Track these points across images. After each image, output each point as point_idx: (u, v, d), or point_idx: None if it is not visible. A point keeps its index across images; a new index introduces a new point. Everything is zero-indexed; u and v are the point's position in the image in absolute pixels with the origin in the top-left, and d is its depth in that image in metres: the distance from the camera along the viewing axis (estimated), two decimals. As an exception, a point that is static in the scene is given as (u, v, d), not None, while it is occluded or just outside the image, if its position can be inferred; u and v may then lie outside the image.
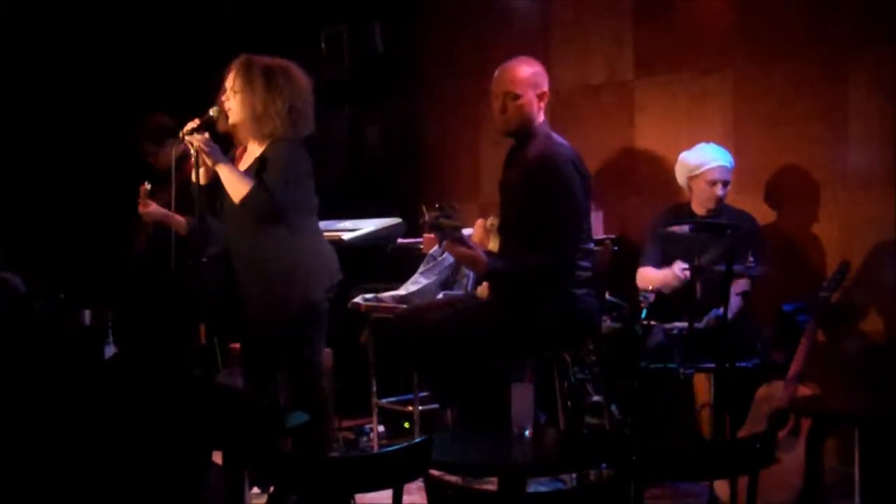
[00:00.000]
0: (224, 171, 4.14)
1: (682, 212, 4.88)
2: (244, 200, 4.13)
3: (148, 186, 4.94)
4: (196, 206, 4.18)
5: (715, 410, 4.29)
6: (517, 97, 4.23)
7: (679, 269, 4.59)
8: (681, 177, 4.88)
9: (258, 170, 4.19)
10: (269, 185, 4.13)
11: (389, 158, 6.66)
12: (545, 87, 4.29)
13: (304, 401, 4.08)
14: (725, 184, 4.77)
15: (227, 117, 4.21)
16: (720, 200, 4.77)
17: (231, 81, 4.19)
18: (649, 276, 4.77)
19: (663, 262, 4.77)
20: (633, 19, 5.56)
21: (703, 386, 4.81)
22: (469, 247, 4.16)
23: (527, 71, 4.27)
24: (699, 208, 4.82)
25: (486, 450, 3.41)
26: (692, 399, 4.94)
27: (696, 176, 4.79)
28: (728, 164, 4.78)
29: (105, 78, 6.22)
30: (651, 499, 4.23)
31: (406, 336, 4.35)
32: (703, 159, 4.79)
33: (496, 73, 4.33)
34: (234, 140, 4.36)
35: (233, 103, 4.19)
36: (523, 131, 4.28)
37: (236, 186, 4.14)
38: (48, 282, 4.44)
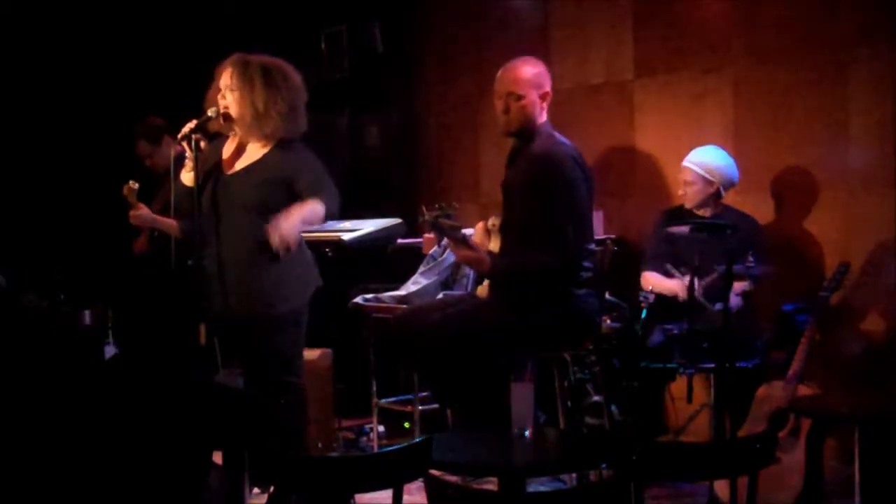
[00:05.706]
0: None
1: (681, 213, 4.89)
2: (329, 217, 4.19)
3: (135, 186, 4.72)
4: (195, 206, 4.18)
5: (715, 410, 4.28)
6: (520, 98, 4.23)
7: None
8: None
9: (257, 169, 4.19)
10: (324, 195, 4.14)
11: (389, 158, 6.66)
12: (548, 87, 4.29)
13: (279, 394, 4.07)
14: (686, 184, 4.77)
15: (222, 118, 4.21)
16: (690, 200, 4.78)
17: (229, 79, 4.18)
18: (655, 283, 4.76)
19: (667, 264, 4.76)
20: (633, 19, 5.56)
21: (700, 385, 4.81)
22: (472, 248, 4.18)
23: (529, 71, 4.27)
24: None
25: (486, 450, 3.40)
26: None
27: None
28: (692, 166, 4.77)
29: (104, 78, 6.22)
30: (651, 499, 4.24)
31: (406, 336, 4.34)
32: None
33: (499, 73, 4.32)
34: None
35: (230, 101, 4.18)
36: (526, 131, 4.28)
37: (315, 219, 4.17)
38: (48, 282, 4.43)
